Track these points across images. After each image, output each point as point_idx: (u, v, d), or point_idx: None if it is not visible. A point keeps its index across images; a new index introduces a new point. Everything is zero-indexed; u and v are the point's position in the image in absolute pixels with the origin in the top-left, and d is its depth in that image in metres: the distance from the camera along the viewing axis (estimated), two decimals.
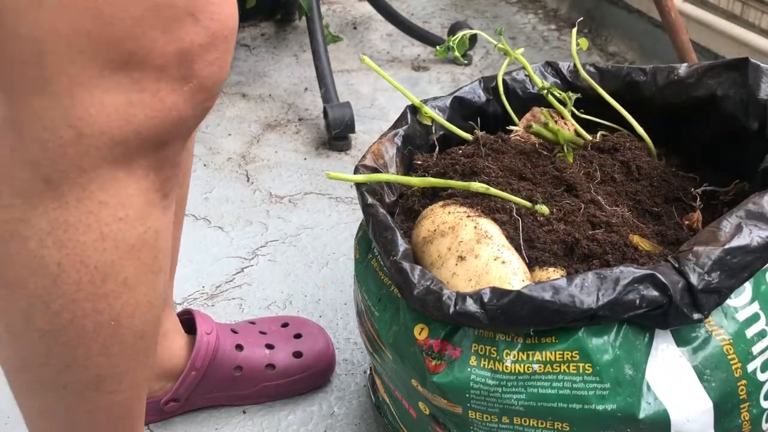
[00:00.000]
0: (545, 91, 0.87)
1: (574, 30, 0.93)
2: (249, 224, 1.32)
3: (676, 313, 0.62)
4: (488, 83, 0.92)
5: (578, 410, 0.64)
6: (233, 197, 1.39)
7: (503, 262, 0.69)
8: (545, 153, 0.85)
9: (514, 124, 0.90)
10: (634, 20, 1.81)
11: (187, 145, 0.86)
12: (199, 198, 1.38)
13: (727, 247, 0.63)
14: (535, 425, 0.66)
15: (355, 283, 0.81)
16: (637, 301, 0.62)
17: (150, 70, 0.54)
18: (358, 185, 0.77)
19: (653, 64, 0.88)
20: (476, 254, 0.70)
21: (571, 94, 0.87)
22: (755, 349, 0.66)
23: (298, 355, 0.97)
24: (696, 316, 0.63)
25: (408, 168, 0.85)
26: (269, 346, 0.97)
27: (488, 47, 1.87)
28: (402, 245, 0.70)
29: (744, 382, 0.65)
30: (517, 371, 0.65)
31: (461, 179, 0.80)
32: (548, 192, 0.79)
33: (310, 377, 0.98)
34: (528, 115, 0.90)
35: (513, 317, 0.63)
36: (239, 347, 0.95)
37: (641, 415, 0.63)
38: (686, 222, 0.78)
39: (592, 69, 0.90)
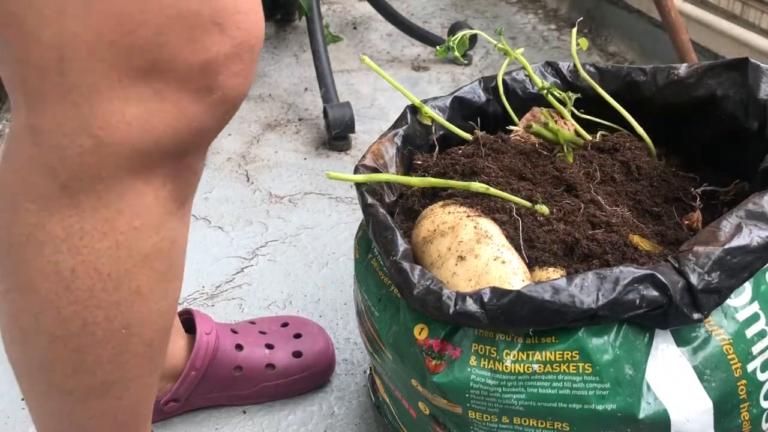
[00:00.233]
0: (545, 91, 0.87)
1: (574, 30, 0.93)
2: (249, 224, 1.32)
3: (676, 313, 0.62)
4: (488, 83, 0.92)
5: (578, 410, 0.64)
6: (233, 197, 1.39)
7: (503, 262, 0.69)
8: (545, 153, 0.85)
9: (514, 124, 0.90)
10: (634, 20, 1.81)
11: None
12: (199, 198, 1.38)
13: (727, 247, 0.63)
14: (535, 425, 0.66)
15: (355, 283, 0.81)
16: (637, 301, 0.62)
17: (173, 80, 0.53)
18: (358, 185, 0.77)
19: (653, 64, 0.88)
20: (476, 254, 0.70)
21: (571, 94, 0.87)
22: (755, 349, 0.66)
23: (297, 354, 0.97)
24: (696, 316, 0.63)
25: (408, 168, 0.85)
26: (269, 346, 0.97)
27: (488, 47, 1.87)
28: (402, 245, 0.70)
29: (744, 382, 0.65)
30: (517, 371, 0.65)
31: (461, 179, 0.80)
32: (548, 192, 0.79)
33: (310, 377, 0.98)
34: (528, 115, 0.90)
35: (513, 317, 0.63)
36: (239, 347, 0.95)
37: (641, 415, 0.63)
38: (686, 222, 0.78)
39: (592, 69, 0.90)
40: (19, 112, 0.56)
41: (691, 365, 0.65)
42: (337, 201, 1.37)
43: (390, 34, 1.96)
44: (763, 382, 0.66)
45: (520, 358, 0.65)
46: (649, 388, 0.64)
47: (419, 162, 0.84)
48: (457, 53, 0.92)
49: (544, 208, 0.75)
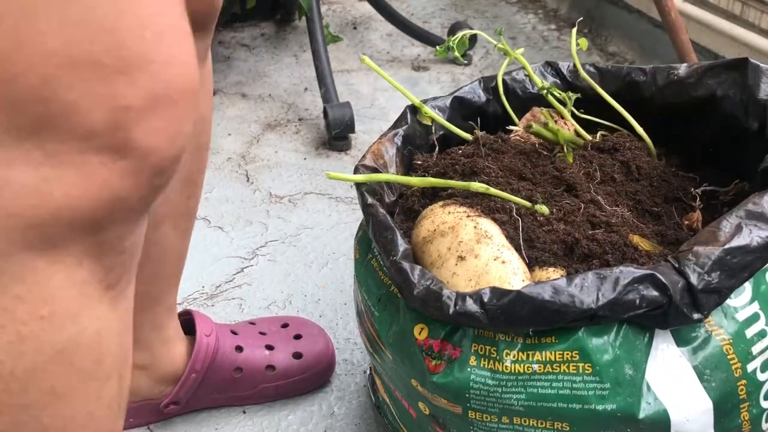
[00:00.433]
0: (545, 91, 0.87)
1: (574, 30, 0.93)
2: (249, 224, 1.32)
3: (676, 313, 0.62)
4: (488, 83, 0.92)
5: (578, 410, 0.64)
6: (233, 197, 1.39)
7: (503, 262, 0.69)
8: (545, 153, 0.85)
9: (514, 124, 0.90)
10: (634, 20, 1.81)
11: (201, 157, 0.82)
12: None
13: (727, 247, 0.63)
14: (535, 425, 0.66)
15: (355, 283, 0.81)
16: (637, 301, 0.62)
17: (69, 138, 0.44)
18: (358, 185, 0.77)
19: (653, 64, 0.88)
20: (476, 254, 0.70)
21: (570, 94, 0.87)
22: (755, 349, 0.66)
23: (297, 356, 0.97)
24: (696, 316, 0.62)
25: (408, 168, 0.85)
26: (269, 347, 0.97)
27: (488, 47, 1.87)
28: (402, 245, 0.70)
29: (744, 382, 0.65)
30: (516, 371, 0.65)
31: (461, 179, 0.80)
32: (548, 192, 0.79)
33: (309, 378, 0.98)
34: (528, 115, 0.90)
35: (513, 317, 0.63)
36: (239, 348, 0.95)
37: (641, 415, 0.63)
38: (686, 222, 0.78)
39: (592, 69, 0.90)
40: None
41: (691, 365, 0.65)
42: (337, 201, 1.37)
43: (390, 34, 1.96)
44: (763, 382, 0.66)
45: (520, 358, 0.65)
46: (649, 388, 0.64)
47: (419, 162, 0.84)
48: (457, 53, 0.92)
49: (544, 208, 0.75)
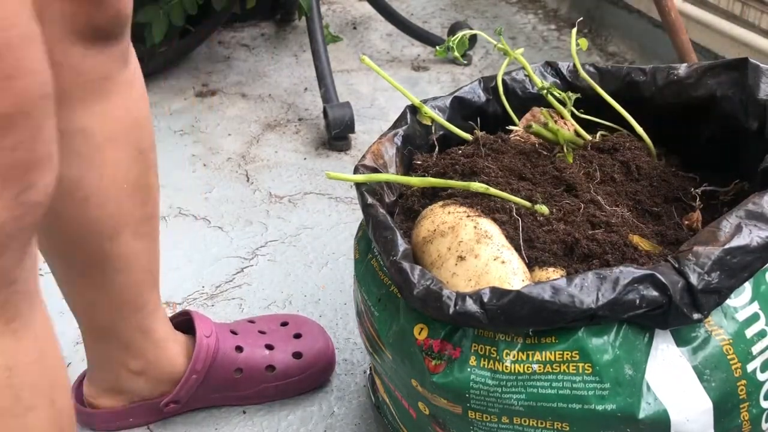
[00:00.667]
0: (545, 91, 0.87)
1: (574, 30, 0.93)
2: (249, 224, 1.32)
3: (676, 313, 0.62)
4: (488, 83, 0.92)
5: (578, 410, 0.64)
6: (233, 197, 1.39)
7: (503, 262, 0.69)
8: (545, 153, 0.85)
9: (514, 124, 0.90)
10: (634, 20, 1.81)
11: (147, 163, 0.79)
12: (199, 198, 1.38)
13: (726, 247, 0.63)
14: (535, 425, 0.66)
15: (355, 283, 0.81)
16: (637, 301, 0.62)
17: None
18: (358, 185, 0.77)
19: (653, 64, 0.88)
20: (476, 254, 0.70)
21: (570, 94, 0.87)
22: (755, 349, 0.66)
23: (297, 355, 0.97)
24: (696, 316, 0.63)
25: (408, 168, 0.85)
26: (269, 347, 0.97)
27: (488, 47, 1.87)
28: (402, 245, 0.70)
29: (744, 382, 0.65)
30: (516, 371, 0.65)
31: (461, 179, 0.80)
32: (548, 192, 0.79)
33: (310, 377, 0.98)
34: (528, 115, 0.90)
35: (513, 317, 0.63)
36: (239, 349, 0.94)
37: (641, 415, 0.63)
38: (686, 222, 0.78)
39: (591, 69, 0.90)
40: None
41: (691, 365, 0.65)
42: (337, 201, 1.37)
43: (390, 34, 1.96)
44: (763, 382, 0.66)
45: (519, 358, 0.65)
46: (648, 388, 0.64)
47: (419, 162, 0.84)
48: (456, 53, 0.92)
49: (544, 208, 0.75)
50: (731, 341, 0.65)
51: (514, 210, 0.75)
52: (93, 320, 0.86)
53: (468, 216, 0.74)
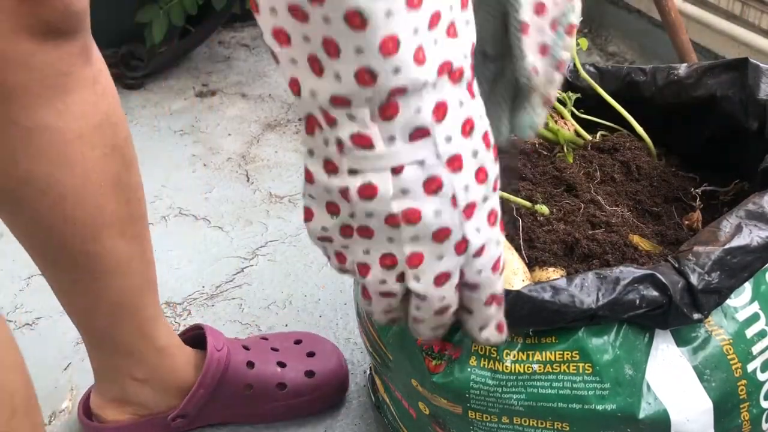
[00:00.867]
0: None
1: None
2: (249, 224, 1.32)
3: (677, 313, 0.62)
4: None
5: (578, 410, 0.64)
6: (233, 197, 1.39)
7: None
8: (545, 153, 0.85)
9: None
10: (634, 20, 1.81)
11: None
12: (199, 198, 1.38)
13: (727, 247, 0.63)
14: (535, 425, 0.66)
15: (355, 283, 0.81)
16: (637, 301, 0.62)
17: None
18: None
19: (653, 64, 0.88)
20: None
21: (571, 94, 0.87)
22: (755, 349, 0.66)
23: (310, 374, 0.95)
24: (696, 316, 0.63)
25: None
26: (281, 364, 0.94)
27: None
28: None
29: (744, 382, 0.65)
30: (517, 371, 0.65)
31: None
32: (548, 192, 0.79)
33: (321, 397, 0.96)
34: None
35: (513, 317, 0.62)
36: (250, 364, 0.92)
37: (641, 415, 0.63)
38: (686, 222, 0.78)
39: (592, 69, 0.90)
40: None
41: (691, 365, 0.65)
42: None
43: None
44: (763, 382, 0.66)
45: (519, 358, 0.65)
46: (649, 388, 0.64)
47: None
48: None
49: (544, 208, 0.75)
50: (731, 341, 0.65)
51: (515, 210, 0.75)
52: (91, 328, 0.86)
53: None
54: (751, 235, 0.64)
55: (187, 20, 1.68)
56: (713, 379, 0.64)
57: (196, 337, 0.94)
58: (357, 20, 0.41)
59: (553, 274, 0.70)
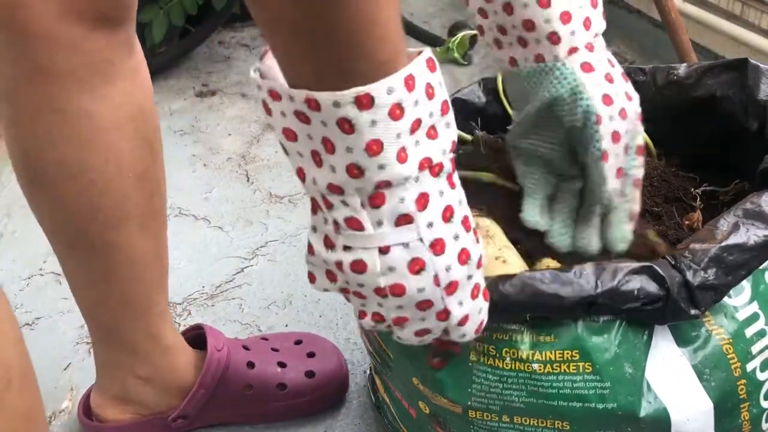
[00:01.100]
0: None
1: None
2: (249, 224, 1.32)
3: (674, 307, 0.62)
4: (488, 85, 0.92)
5: (579, 409, 0.64)
6: (233, 197, 1.39)
7: (504, 262, 0.69)
8: None
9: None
10: (634, 20, 1.81)
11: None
12: (199, 198, 1.39)
13: (723, 244, 0.64)
14: (536, 424, 0.66)
15: None
16: (635, 292, 0.62)
17: None
18: None
19: (653, 64, 0.88)
20: None
21: None
22: (754, 349, 0.66)
23: (310, 374, 0.95)
24: (693, 311, 0.63)
25: None
26: (281, 365, 0.94)
27: (488, 47, 1.87)
28: None
29: (744, 381, 0.65)
30: (517, 368, 0.65)
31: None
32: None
33: (321, 398, 0.96)
34: None
35: (512, 302, 0.63)
36: (250, 365, 0.92)
37: (642, 414, 0.63)
38: (686, 222, 0.78)
39: None
40: None
41: (691, 364, 0.65)
42: None
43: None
44: (763, 382, 0.67)
45: (520, 357, 0.65)
46: (649, 387, 0.64)
47: None
48: (456, 54, 0.92)
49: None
50: (731, 341, 0.65)
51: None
52: (100, 321, 0.86)
53: None
54: (748, 234, 0.64)
55: (187, 20, 1.68)
56: (713, 378, 0.65)
57: (196, 337, 0.94)
58: (347, 126, 0.48)
59: (552, 263, 0.71)
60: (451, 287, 0.54)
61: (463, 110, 0.90)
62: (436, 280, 0.54)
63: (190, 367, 0.91)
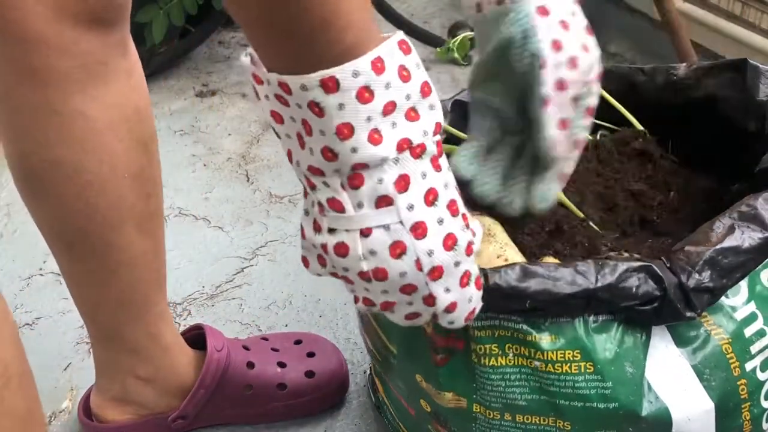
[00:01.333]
0: None
1: None
2: (249, 224, 1.32)
3: (670, 308, 0.63)
4: None
5: (580, 408, 0.64)
6: (233, 197, 1.39)
7: (506, 260, 0.69)
8: None
9: None
10: (634, 20, 1.81)
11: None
12: (199, 198, 1.39)
13: (718, 247, 0.64)
14: (538, 422, 0.66)
15: None
16: (634, 289, 0.62)
17: None
18: None
19: (653, 64, 0.88)
20: (479, 251, 0.70)
21: None
22: (754, 348, 0.66)
23: (310, 374, 0.95)
24: (689, 313, 0.63)
25: None
26: (281, 365, 0.94)
27: None
28: None
29: (744, 381, 0.65)
30: (520, 363, 0.65)
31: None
32: None
33: (321, 398, 0.95)
34: None
35: (513, 291, 0.63)
36: (250, 365, 0.92)
37: (643, 413, 0.64)
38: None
39: None
40: None
41: (690, 364, 0.65)
42: None
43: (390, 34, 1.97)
44: (764, 382, 0.67)
45: (522, 355, 0.65)
46: (649, 387, 0.64)
47: None
48: (456, 55, 0.92)
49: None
50: (730, 340, 0.66)
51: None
52: (99, 321, 0.86)
53: (471, 214, 0.74)
54: (743, 236, 0.65)
55: (187, 20, 1.68)
56: (713, 378, 0.65)
57: (196, 337, 0.94)
58: (316, 110, 0.49)
59: (552, 260, 0.71)
60: (435, 272, 0.54)
61: (463, 112, 0.90)
62: (418, 265, 0.53)
63: (190, 368, 0.91)
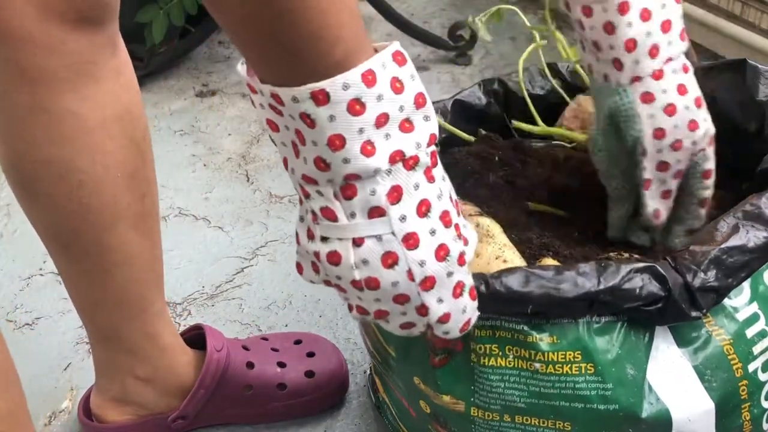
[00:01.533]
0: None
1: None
2: (249, 224, 1.32)
3: (675, 308, 0.62)
4: (488, 86, 0.92)
5: (581, 409, 0.64)
6: (233, 197, 1.39)
7: (504, 261, 0.69)
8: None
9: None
10: None
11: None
12: (199, 198, 1.39)
13: (723, 246, 0.64)
14: (537, 424, 0.66)
15: None
16: (637, 291, 0.62)
17: None
18: None
19: None
20: (478, 253, 0.70)
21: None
22: (756, 350, 0.66)
23: (310, 374, 0.95)
24: (694, 313, 0.63)
25: None
26: (281, 365, 0.94)
27: (488, 47, 1.87)
28: None
29: (745, 382, 0.65)
30: (519, 368, 0.65)
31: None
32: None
33: (321, 398, 0.95)
34: (573, 104, 0.90)
35: (514, 295, 0.63)
36: (250, 365, 0.92)
37: (643, 415, 0.63)
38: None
39: None
40: None
41: (692, 365, 0.65)
42: None
43: (390, 34, 1.96)
44: (764, 383, 0.67)
45: (522, 357, 0.65)
46: (650, 388, 0.64)
47: None
48: (483, 31, 0.93)
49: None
50: (732, 341, 0.66)
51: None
52: (97, 322, 0.86)
53: (470, 215, 0.74)
54: (748, 236, 0.64)
55: (187, 20, 1.68)
56: (714, 379, 0.65)
57: (195, 337, 0.94)
58: (308, 121, 0.49)
59: (553, 263, 0.71)
60: (427, 282, 0.54)
61: (463, 112, 0.90)
62: (410, 275, 0.53)
63: (190, 368, 0.91)
